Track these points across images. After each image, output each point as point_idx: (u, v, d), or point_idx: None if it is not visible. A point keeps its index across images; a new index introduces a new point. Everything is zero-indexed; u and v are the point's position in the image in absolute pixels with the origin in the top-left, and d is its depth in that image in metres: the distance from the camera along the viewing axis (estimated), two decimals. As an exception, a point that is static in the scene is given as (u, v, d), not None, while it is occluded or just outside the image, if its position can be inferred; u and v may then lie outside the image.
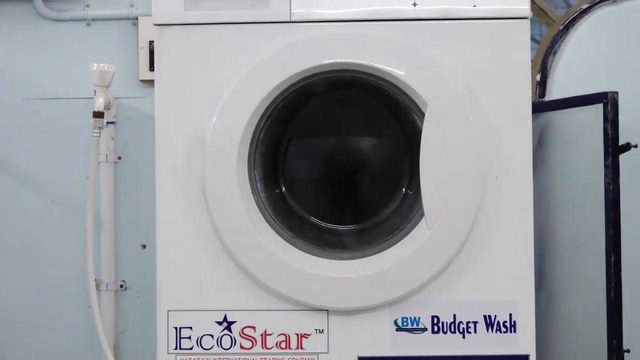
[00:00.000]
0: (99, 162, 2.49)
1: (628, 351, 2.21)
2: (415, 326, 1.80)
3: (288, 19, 1.79)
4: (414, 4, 1.79)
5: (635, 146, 2.23)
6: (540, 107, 2.41)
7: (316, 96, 1.89)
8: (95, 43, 2.58)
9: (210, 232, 1.78)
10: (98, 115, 2.23)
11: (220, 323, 1.81)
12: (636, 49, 2.66)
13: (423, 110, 1.76)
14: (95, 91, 2.30)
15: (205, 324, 1.81)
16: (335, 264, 1.80)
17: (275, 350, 1.80)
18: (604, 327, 2.21)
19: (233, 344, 1.81)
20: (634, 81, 2.57)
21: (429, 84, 1.76)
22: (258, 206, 1.80)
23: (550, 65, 2.71)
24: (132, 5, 2.56)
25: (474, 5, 1.78)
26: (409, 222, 1.83)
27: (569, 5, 2.78)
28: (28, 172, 2.57)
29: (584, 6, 2.71)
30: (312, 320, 1.80)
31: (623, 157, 2.22)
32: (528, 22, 1.80)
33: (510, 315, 1.80)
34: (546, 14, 2.73)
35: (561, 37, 2.72)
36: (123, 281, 2.57)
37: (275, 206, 1.89)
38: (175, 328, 1.81)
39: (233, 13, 1.80)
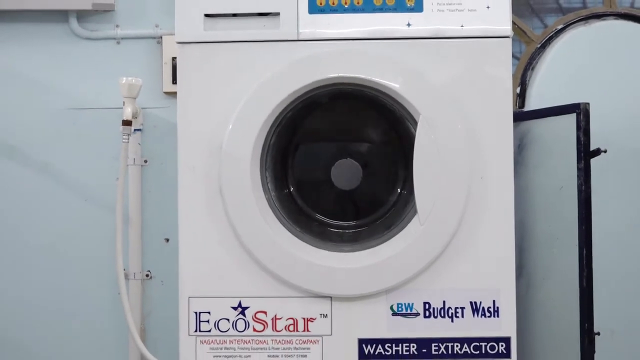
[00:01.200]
0: (128, 165, 2.49)
1: (598, 334, 2.21)
2: (409, 311, 1.80)
3: (296, 38, 1.79)
4: (408, 25, 1.79)
5: (605, 151, 2.23)
6: (520, 116, 2.40)
7: (321, 106, 1.89)
8: (124, 59, 2.58)
9: (227, 227, 1.79)
10: (126, 123, 2.23)
11: (235, 308, 1.81)
12: (605, 65, 2.66)
13: (416, 118, 1.76)
14: (124, 102, 2.30)
15: (222, 309, 1.81)
16: (338, 256, 1.80)
17: (284, 332, 1.80)
18: (576, 312, 2.20)
19: (247, 327, 1.81)
20: (604, 93, 2.57)
21: (422, 95, 1.76)
22: (269, 204, 1.80)
23: (529, 79, 2.71)
24: (157, 26, 2.57)
25: (462, 26, 1.79)
26: (403, 218, 1.83)
27: (545, 26, 2.78)
28: (65, 173, 2.57)
29: (559, 27, 2.71)
30: (317, 306, 1.80)
31: (594, 161, 2.22)
32: (509, 40, 1.80)
33: (494, 301, 1.80)
34: (525, 33, 2.73)
35: (538, 54, 2.72)
36: (149, 271, 2.57)
37: (285, 204, 1.89)
38: (195, 313, 1.81)
39: (247, 32, 1.80)
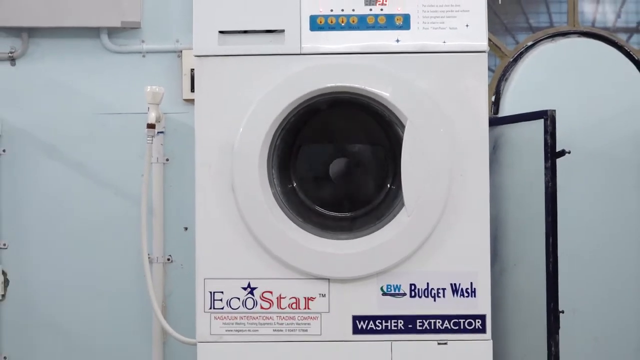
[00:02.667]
0: (151, 163, 2.48)
1: (562, 312, 2.21)
2: (397, 292, 1.79)
3: (299, 52, 1.78)
4: (397, 41, 1.78)
5: (569, 152, 2.23)
6: (495, 121, 2.40)
7: (320, 112, 1.89)
8: (148, 70, 2.57)
9: (237, 218, 1.78)
10: (151, 126, 2.23)
11: (245, 289, 1.80)
12: (570, 77, 2.66)
13: (404, 123, 1.76)
14: (148, 108, 2.30)
15: (233, 289, 1.81)
16: (335, 243, 1.79)
17: (287, 310, 1.80)
18: (543, 293, 2.20)
19: (255, 305, 1.80)
20: (568, 102, 2.57)
21: (409, 102, 1.76)
22: (275, 197, 1.79)
23: (503, 89, 2.70)
24: (177, 41, 2.56)
25: (444, 42, 1.78)
26: (392, 210, 1.83)
27: (517, 42, 2.77)
28: (97, 170, 2.57)
29: (529, 43, 2.71)
30: (317, 287, 1.80)
31: (559, 161, 2.21)
32: (486, 55, 1.80)
33: (471, 283, 1.79)
34: (499, 49, 2.73)
35: (511, 67, 2.71)
36: (170, 256, 2.57)
37: (288, 198, 1.88)
38: (210, 292, 1.81)
39: (255, 47, 1.79)
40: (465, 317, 1.79)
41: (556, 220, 2.20)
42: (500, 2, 2.78)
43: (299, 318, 1.80)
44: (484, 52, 1.79)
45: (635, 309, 2.65)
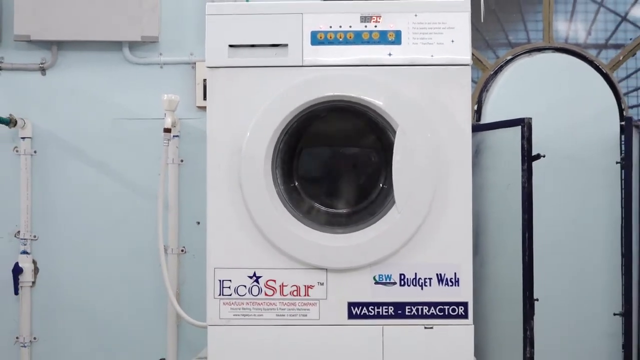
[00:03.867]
0: (167, 164, 2.48)
1: (537, 300, 2.20)
2: (388, 281, 1.79)
3: (300, 64, 1.78)
4: (390, 54, 1.77)
5: (544, 156, 2.22)
6: (477, 128, 2.39)
7: (320, 118, 1.88)
8: (165, 80, 2.57)
9: (245, 213, 1.77)
10: (167, 130, 2.22)
11: (250, 277, 1.80)
12: (544, 88, 2.66)
13: (395, 129, 1.75)
14: (165, 114, 2.29)
15: (240, 278, 1.80)
16: (333, 237, 1.78)
17: (289, 296, 1.79)
18: (520, 283, 2.20)
19: (260, 292, 1.80)
20: (543, 111, 2.57)
21: (400, 110, 1.75)
22: (278, 195, 1.79)
23: (484, 99, 2.70)
24: (191, 54, 2.56)
25: (432, 55, 1.77)
26: (384, 207, 1.82)
27: (497, 57, 2.77)
28: (118, 170, 2.56)
29: (508, 57, 2.71)
30: (316, 276, 1.79)
31: (535, 164, 2.21)
32: (469, 68, 1.79)
33: (455, 273, 1.78)
34: (481, 62, 2.72)
35: (492, 79, 2.71)
36: (183, 247, 2.56)
37: (291, 195, 1.88)
38: (220, 280, 1.80)
39: (262, 59, 1.78)
40: (449, 304, 1.78)
41: (532, 217, 2.19)
42: (482, 20, 2.77)
43: (299, 304, 1.79)
44: (467, 65, 1.78)
45: (604, 296, 2.66)
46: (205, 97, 2.43)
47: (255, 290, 1.79)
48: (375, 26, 1.78)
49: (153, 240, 2.39)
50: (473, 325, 1.78)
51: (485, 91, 2.70)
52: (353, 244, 1.76)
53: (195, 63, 2.54)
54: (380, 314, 1.78)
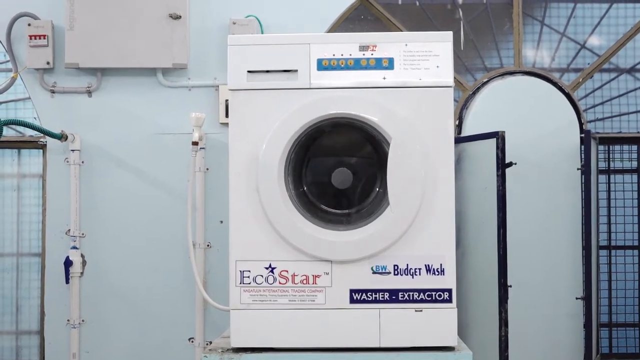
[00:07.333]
0: (195, 172, 2.49)
1: (510, 286, 2.20)
2: (383, 271, 1.78)
3: (308, 87, 1.77)
4: (384, 78, 1.77)
5: (515, 164, 2.22)
6: (459, 140, 2.40)
7: (325, 132, 1.88)
8: (193, 100, 2.58)
9: (261, 213, 1.77)
10: (194, 143, 2.22)
11: (267, 268, 1.79)
12: (515, 106, 2.68)
13: (389, 141, 1.74)
14: (193, 129, 2.30)
15: (258, 269, 1.79)
16: (336, 233, 1.77)
17: (299, 285, 1.78)
18: (495, 271, 2.20)
19: (274, 281, 1.79)
20: (515, 125, 2.57)
21: (393, 126, 1.75)
22: (290, 198, 1.78)
23: (464, 115, 2.70)
24: (215, 78, 2.57)
25: (420, 79, 1.77)
26: (380, 208, 1.81)
27: (475, 79, 2.77)
28: (154, 177, 2.57)
29: (484, 80, 2.72)
30: (322, 267, 1.78)
31: (508, 170, 2.21)
32: (452, 89, 1.79)
33: (441, 264, 1.77)
34: (462, 84, 2.72)
35: (471, 98, 2.71)
36: (209, 242, 2.56)
37: (300, 198, 1.87)
38: (240, 271, 1.79)
39: (275, 83, 1.78)
40: (436, 290, 1.77)
41: (505, 215, 2.19)
42: (462, 49, 2.78)
43: (308, 291, 1.78)
44: (450, 87, 1.77)
45: (567, 283, 2.66)
46: (227, 115, 2.44)
47: (270, 279, 1.79)
48: (372, 54, 1.78)
49: (183, 236, 2.40)
50: (456, 309, 1.77)
51: (465, 108, 2.71)
52: (354, 240, 1.76)
53: (218, 86, 2.55)
54: (377, 299, 1.77)
